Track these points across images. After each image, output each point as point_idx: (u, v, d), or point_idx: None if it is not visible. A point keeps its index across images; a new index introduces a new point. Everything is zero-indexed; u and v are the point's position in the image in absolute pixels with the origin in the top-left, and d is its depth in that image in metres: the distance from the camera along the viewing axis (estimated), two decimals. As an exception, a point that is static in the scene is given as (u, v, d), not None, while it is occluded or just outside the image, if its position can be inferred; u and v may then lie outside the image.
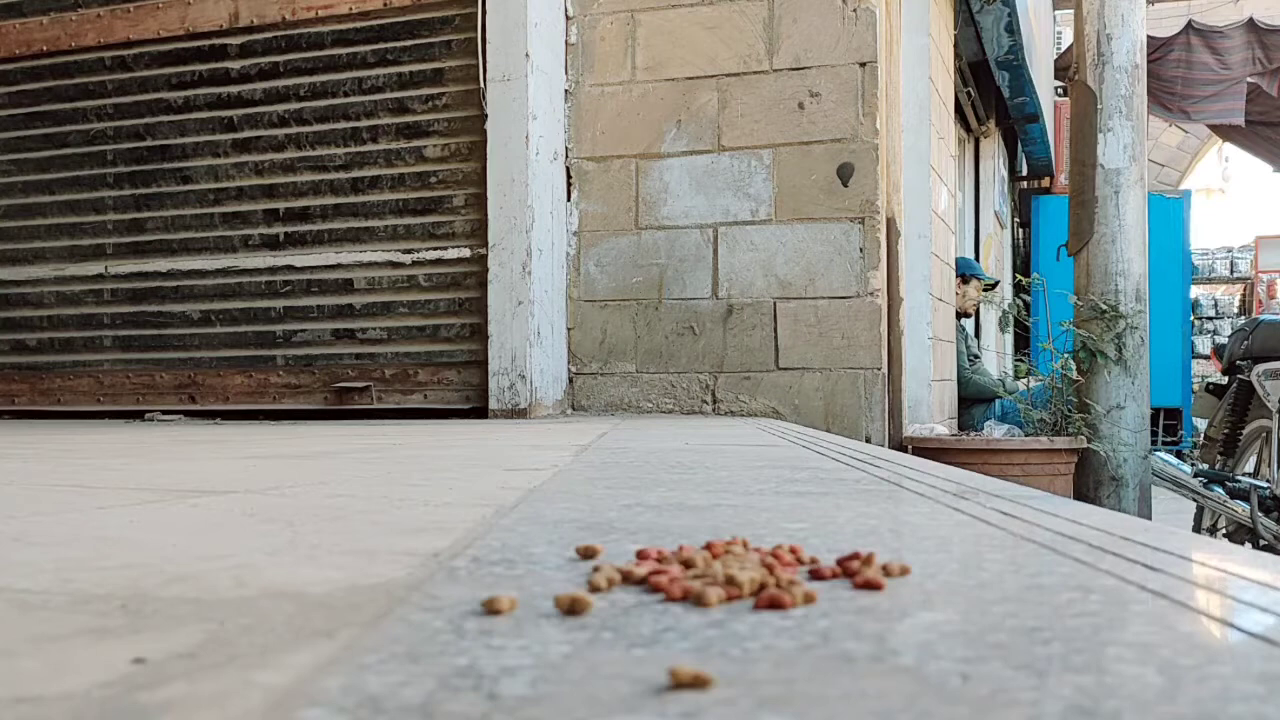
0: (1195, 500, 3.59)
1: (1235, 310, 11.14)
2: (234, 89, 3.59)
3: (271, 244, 3.56)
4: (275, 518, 0.94)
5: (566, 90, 3.41)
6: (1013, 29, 5.23)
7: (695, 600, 0.57)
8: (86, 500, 1.11)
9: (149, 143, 3.71)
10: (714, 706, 0.39)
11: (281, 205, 3.55)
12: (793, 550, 0.69)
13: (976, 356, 4.84)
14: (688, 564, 0.64)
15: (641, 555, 0.68)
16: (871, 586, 0.61)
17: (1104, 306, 3.21)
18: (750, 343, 3.21)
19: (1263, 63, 7.32)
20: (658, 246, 3.29)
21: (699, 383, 3.26)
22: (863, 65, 3.12)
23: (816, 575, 0.64)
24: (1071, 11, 3.50)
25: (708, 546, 0.70)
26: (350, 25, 3.45)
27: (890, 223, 3.28)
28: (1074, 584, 0.63)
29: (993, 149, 7.06)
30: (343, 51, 3.46)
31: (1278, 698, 0.41)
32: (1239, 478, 3.44)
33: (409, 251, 3.39)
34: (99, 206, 3.79)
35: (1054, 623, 0.53)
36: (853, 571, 0.64)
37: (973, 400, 4.58)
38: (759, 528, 0.85)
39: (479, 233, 3.28)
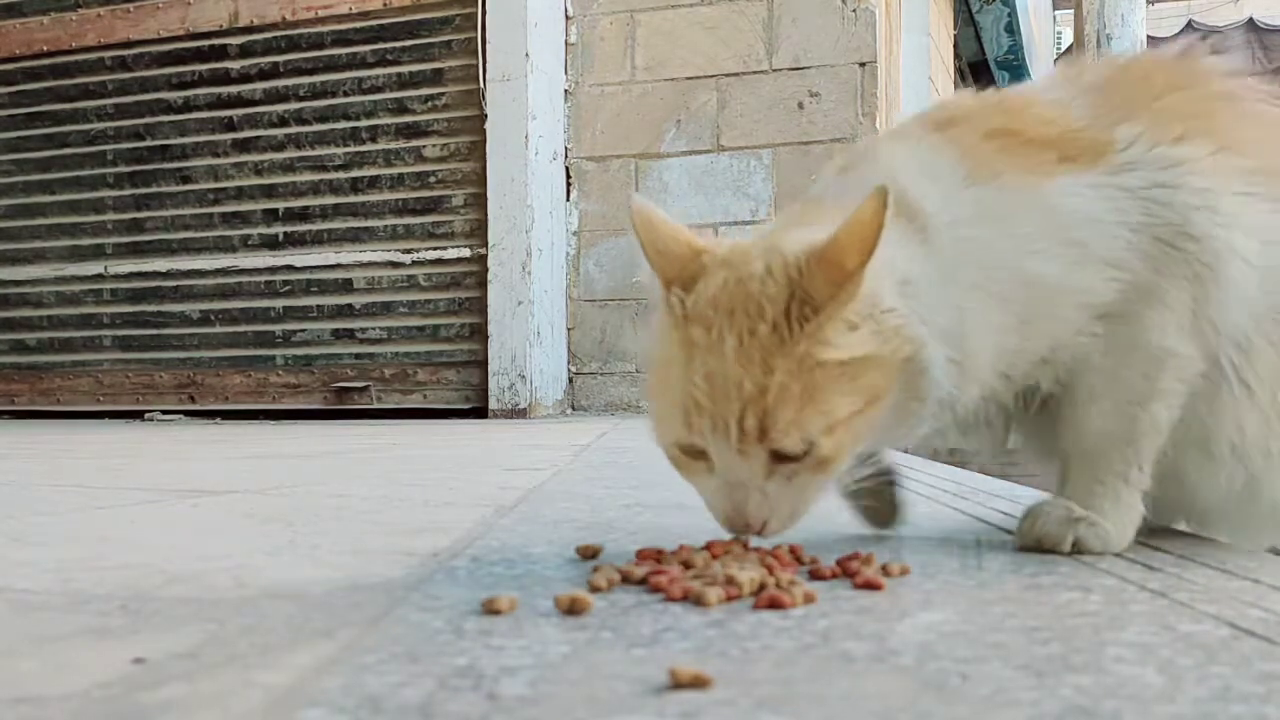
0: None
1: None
2: (234, 89, 3.59)
3: (271, 244, 3.56)
4: (275, 518, 0.94)
5: (566, 90, 3.41)
6: (1012, 29, 5.23)
7: (695, 600, 0.57)
8: (86, 500, 1.11)
9: (149, 143, 3.71)
10: (713, 707, 0.39)
11: (281, 205, 3.55)
12: (792, 550, 0.69)
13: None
14: (687, 564, 0.64)
15: (641, 555, 0.68)
16: (871, 586, 0.61)
17: (1104, 306, 3.21)
18: (750, 342, 3.20)
19: (1262, 63, 7.33)
20: (658, 246, 3.29)
21: (699, 382, 3.26)
22: (862, 65, 3.12)
23: (816, 575, 0.64)
24: (1071, 11, 3.50)
25: (707, 546, 0.70)
26: (350, 25, 3.45)
27: (890, 222, 3.27)
28: (1074, 583, 0.63)
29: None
30: (342, 51, 3.46)
31: (1278, 697, 0.41)
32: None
33: (409, 251, 3.39)
34: (99, 206, 3.79)
35: (1054, 623, 0.53)
36: (853, 571, 0.64)
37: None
38: (759, 528, 0.85)
39: (479, 232, 3.28)
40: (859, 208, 0.62)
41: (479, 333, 3.27)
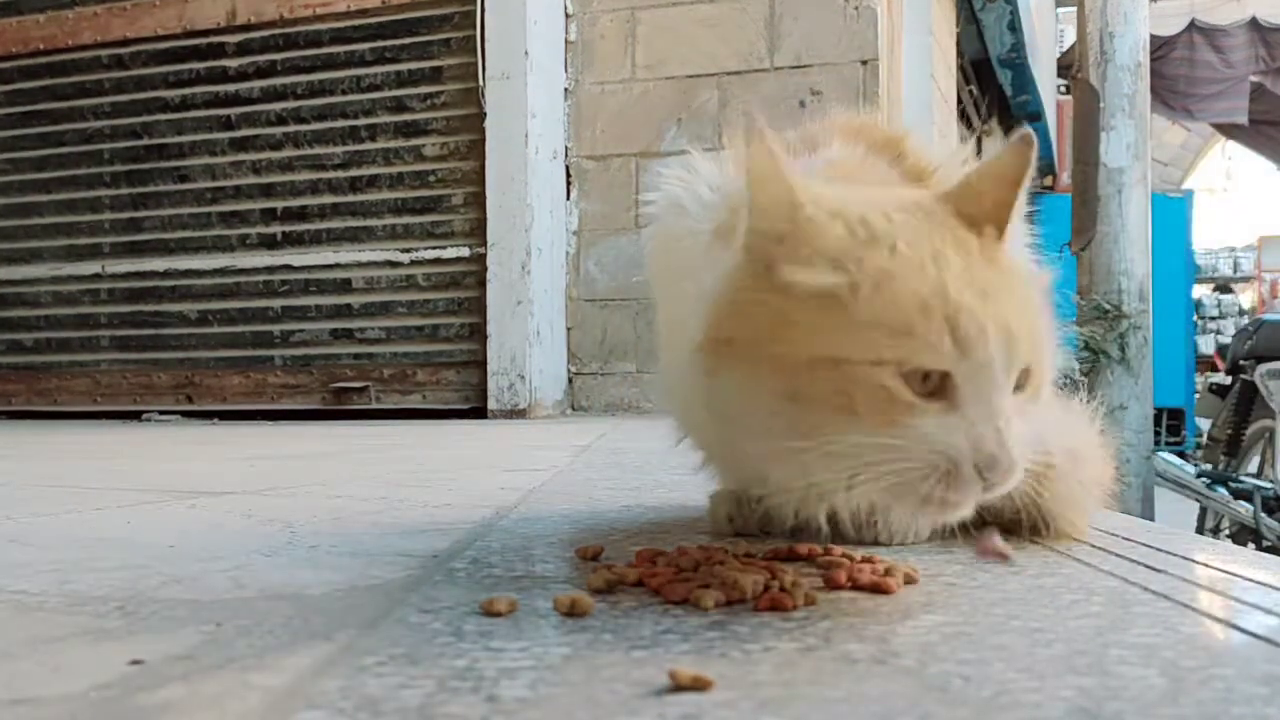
0: (1198, 501, 3.58)
1: (1237, 310, 11.13)
2: (231, 87, 3.59)
3: (269, 243, 3.56)
4: (273, 519, 0.93)
5: (566, 88, 3.40)
6: (1015, 27, 5.23)
7: (695, 602, 0.56)
8: (84, 501, 1.10)
9: (146, 141, 3.70)
10: (714, 709, 0.39)
11: (279, 204, 3.55)
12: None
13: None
14: (688, 566, 0.64)
15: (641, 556, 0.67)
16: (879, 590, 0.60)
17: (1107, 306, 3.21)
18: (750, 342, 3.20)
19: (1266, 61, 7.33)
20: (657, 245, 3.28)
21: (699, 382, 3.25)
22: (864, 63, 3.12)
23: (830, 582, 0.64)
24: (1074, 9, 3.50)
25: (707, 548, 0.69)
26: (348, 23, 3.44)
27: (890, 221, 3.26)
28: (1076, 585, 0.62)
29: (995, 148, 7.04)
30: (341, 49, 3.46)
31: (1283, 700, 0.40)
32: (1242, 478, 3.43)
33: (407, 251, 3.38)
34: (96, 206, 3.78)
35: (1056, 624, 0.53)
36: (858, 575, 0.64)
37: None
38: (759, 528, 0.85)
39: (478, 232, 3.28)
40: (1004, 148, 0.60)
41: (478, 333, 3.27)
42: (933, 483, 0.53)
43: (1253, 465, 3.64)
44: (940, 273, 0.54)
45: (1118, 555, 0.73)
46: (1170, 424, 6.97)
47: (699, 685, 0.41)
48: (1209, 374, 7.14)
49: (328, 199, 3.49)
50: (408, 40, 3.38)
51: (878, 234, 0.55)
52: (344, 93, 3.46)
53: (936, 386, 0.53)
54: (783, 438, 0.56)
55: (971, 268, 0.55)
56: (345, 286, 3.46)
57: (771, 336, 0.56)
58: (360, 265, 3.43)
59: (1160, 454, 3.73)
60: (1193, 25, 7.45)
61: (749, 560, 0.65)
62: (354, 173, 3.46)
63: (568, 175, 3.39)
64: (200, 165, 3.63)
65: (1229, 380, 3.94)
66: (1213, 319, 10.84)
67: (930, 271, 0.54)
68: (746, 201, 0.57)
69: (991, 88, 6.24)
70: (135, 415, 3.58)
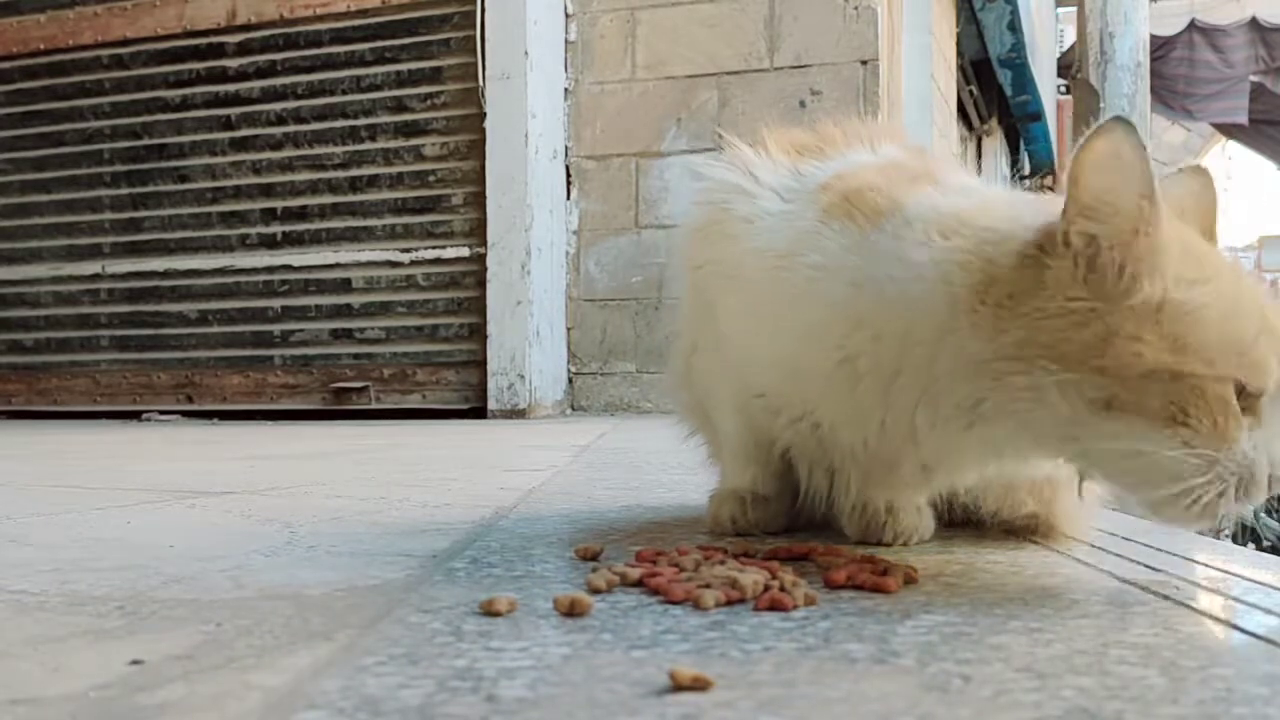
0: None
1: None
2: (231, 87, 3.59)
3: (269, 243, 3.56)
4: (273, 518, 0.93)
5: (566, 88, 3.40)
6: (1015, 27, 5.23)
7: (695, 602, 0.56)
8: (83, 501, 1.10)
9: (146, 141, 3.70)
10: (714, 709, 0.39)
11: (279, 204, 3.54)
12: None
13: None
14: (687, 566, 0.64)
15: (641, 557, 0.67)
16: (877, 590, 0.61)
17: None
18: (750, 342, 3.19)
19: (1266, 61, 7.34)
20: (658, 245, 3.29)
21: (698, 382, 3.25)
22: (864, 63, 3.12)
23: (830, 583, 0.64)
24: (1074, 9, 3.50)
25: (707, 548, 0.69)
26: (348, 23, 3.44)
27: (890, 221, 3.26)
28: (1076, 585, 0.62)
29: (995, 148, 7.05)
30: (341, 50, 3.46)
31: (1282, 700, 0.40)
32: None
33: (407, 251, 3.38)
34: (96, 206, 3.78)
35: (1056, 624, 0.53)
36: (860, 577, 0.64)
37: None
38: (759, 528, 0.85)
39: (478, 232, 3.28)
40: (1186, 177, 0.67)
41: (478, 333, 3.27)
42: (1231, 498, 0.56)
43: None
44: (1260, 298, 0.59)
45: (1117, 555, 0.73)
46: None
47: (699, 685, 0.41)
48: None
49: (328, 199, 3.49)
50: (408, 40, 3.38)
51: (1209, 254, 0.60)
52: (344, 93, 3.46)
53: (1244, 405, 0.57)
54: (1086, 441, 0.58)
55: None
56: (345, 286, 3.46)
57: (1097, 350, 0.57)
58: (360, 265, 3.43)
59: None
60: (1193, 25, 7.46)
61: (749, 560, 0.65)
62: (354, 173, 3.45)
63: (568, 175, 3.39)
64: (200, 165, 3.63)
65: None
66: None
67: (1259, 296, 0.59)
68: (1074, 196, 0.58)
69: (991, 88, 6.24)
70: (135, 415, 3.58)
